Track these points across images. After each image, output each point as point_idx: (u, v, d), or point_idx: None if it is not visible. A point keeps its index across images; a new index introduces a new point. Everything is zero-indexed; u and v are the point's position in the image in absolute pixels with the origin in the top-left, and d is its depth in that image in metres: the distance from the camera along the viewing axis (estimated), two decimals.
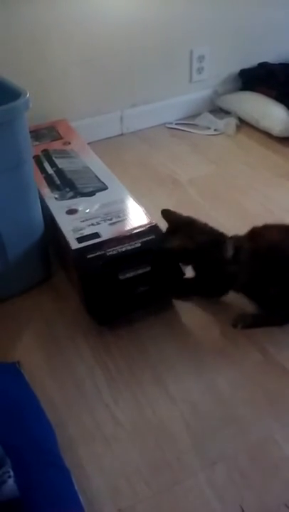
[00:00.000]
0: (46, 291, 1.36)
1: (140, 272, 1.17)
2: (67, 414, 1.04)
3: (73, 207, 1.35)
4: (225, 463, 0.95)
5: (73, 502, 0.84)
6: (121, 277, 1.16)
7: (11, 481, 0.82)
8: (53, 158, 1.59)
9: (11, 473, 0.83)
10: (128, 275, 1.17)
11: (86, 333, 1.23)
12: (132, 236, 1.23)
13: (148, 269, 1.18)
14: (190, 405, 1.05)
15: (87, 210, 1.33)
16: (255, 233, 1.19)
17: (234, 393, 1.07)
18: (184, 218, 1.23)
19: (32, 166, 1.21)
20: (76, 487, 0.87)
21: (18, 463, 0.85)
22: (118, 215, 1.30)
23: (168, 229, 1.22)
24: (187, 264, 1.22)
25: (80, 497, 0.85)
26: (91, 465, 0.95)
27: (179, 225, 1.21)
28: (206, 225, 1.21)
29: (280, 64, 2.23)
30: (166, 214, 1.24)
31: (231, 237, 1.20)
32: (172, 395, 1.07)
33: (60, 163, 1.56)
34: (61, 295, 1.35)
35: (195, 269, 1.23)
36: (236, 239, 1.19)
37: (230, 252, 1.16)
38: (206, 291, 1.26)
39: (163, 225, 1.26)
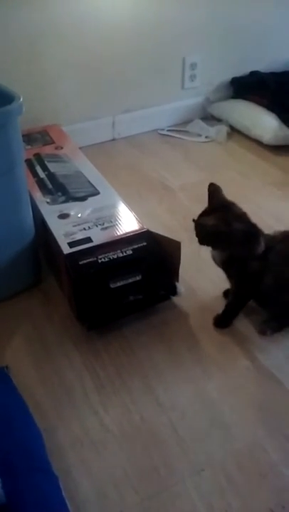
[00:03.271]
0: (36, 295, 1.36)
1: (131, 280, 1.18)
2: (56, 419, 1.04)
3: (65, 211, 1.35)
4: (212, 469, 0.95)
5: (61, 508, 0.84)
6: (112, 286, 1.16)
7: None
8: (45, 162, 1.60)
9: None
10: (119, 284, 1.17)
11: (75, 338, 1.23)
12: (123, 242, 1.23)
13: (139, 277, 1.19)
14: (178, 411, 1.06)
15: (79, 215, 1.33)
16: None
17: (222, 399, 1.08)
18: (226, 201, 1.16)
19: (24, 170, 1.22)
20: (64, 493, 0.86)
21: (5, 468, 0.85)
22: (110, 220, 1.31)
23: (207, 208, 1.16)
24: (215, 247, 1.17)
25: (68, 503, 0.85)
26: (79, 471, 0.95)
27: (218, 206, 1.15)
28: (245, 214, 1.15)
29: (272, 73, 2.26)
30: (212, 190, 1.17)
31: (264, 235, 1.16)
32: (161, 401, 1.08)
33: (52, 167, 1.57)
34: (51, 300, 1.34)
35: (222, 260, 1.18)
36: (269, 237, 1.16)
37: (261, 248, 1.13)
38: (237, 294, 1.23)
39: (154, 230, 1.27)
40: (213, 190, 1.17)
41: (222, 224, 1.10)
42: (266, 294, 1.18)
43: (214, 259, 1.20)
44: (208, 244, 1.16)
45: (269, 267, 1.14)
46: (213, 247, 1.17)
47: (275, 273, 1.14)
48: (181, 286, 1.29)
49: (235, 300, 1.24)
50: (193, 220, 1.15)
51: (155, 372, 1.14)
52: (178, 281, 1.28)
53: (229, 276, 1.21)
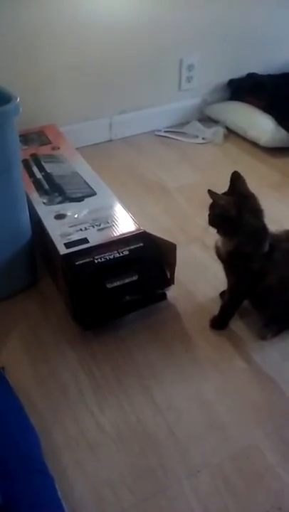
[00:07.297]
0: (32, 296, 1.35)
1: (127, 281, 1.18)
2: (52, 420, 1.04)
3: (62, 212, 1.35)
4: (209, 471, 0.95)
5: (57, 509, 0.84)
6: (108, 286, 1.16)
7: None
8: (42, 162, 1.59)
9: None
10: (115, 284, 1.17)
11: (71, 339, 1.22)
12: (120, 243, 1.23)
13: (135, 278, 1.19)
14: (175, 413, 1.05)
15: (76, 216, 1.33)
16: None
17: (219, 401, 1.08)
18: (247, 191, 1.13)
19: (21, 171, 1.21)
20: (60, 494, 0.86)
21: (1, 469, 0.84)
22: (106, 221, 1.30)
23: (227, 191, 1.13)
24: (222, 232, 1.13)
25: (64, 504, 0.85)
26: (75, 472, 0.95)
27: (238, 193, 1.12)
28: (261, 210, 1.12)
29: (269, 75, 2.26)
30: (235, 177, 1.14)
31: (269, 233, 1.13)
32: (157, 402, 1.07)
33: (49, 167, 1.56)
34: (47, 300, 1.34)
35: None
36: (273, 236, 1.13)
37: (266, 248, 1.11)
38: (233, 293, 1.20)
39: (151, 231, 1.27)
40: (236, 178, 1.14)
41: (232, 209, 1.07)
42: (267, 294, 1.16)
43: (218, 250, 1.17)
44: (215, 226, 1.13)
45: (273, 266, 1.12)
46: (220, 232, 1.13)
47: (280, 272, 1.12)
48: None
49: (231, 299, 1.22)
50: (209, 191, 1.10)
51: (151, 373, 1.14)
52: (173, 283, 1.28)
53: (229, 271, 1.18)
